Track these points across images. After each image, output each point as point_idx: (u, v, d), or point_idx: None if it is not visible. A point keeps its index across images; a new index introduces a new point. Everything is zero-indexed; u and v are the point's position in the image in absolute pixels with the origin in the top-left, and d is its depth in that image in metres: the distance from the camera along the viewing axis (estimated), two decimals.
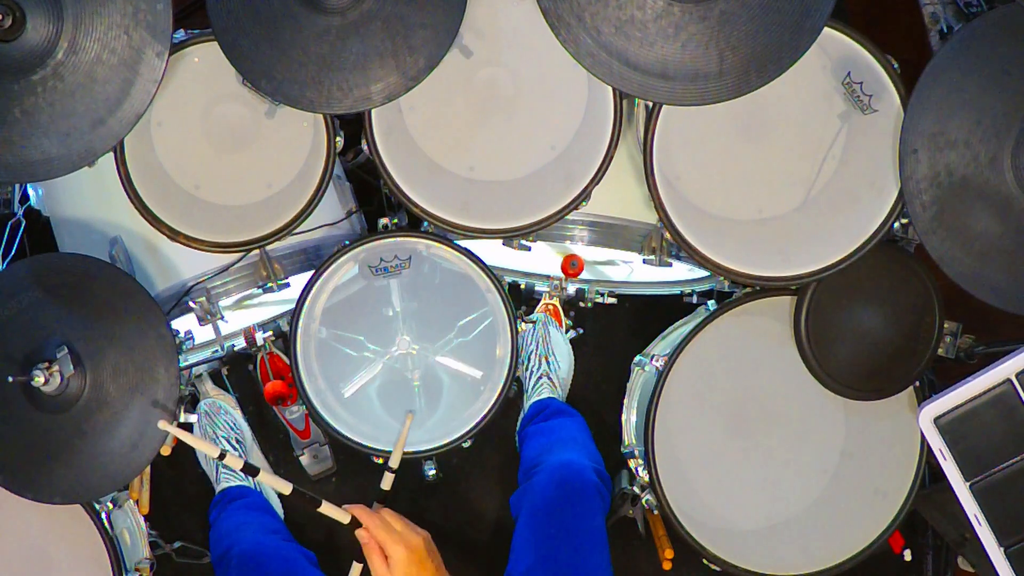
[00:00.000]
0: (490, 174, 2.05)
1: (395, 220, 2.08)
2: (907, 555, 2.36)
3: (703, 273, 2.23)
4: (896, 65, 1.86)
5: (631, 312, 2.58)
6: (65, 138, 1.76)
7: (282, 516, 2.37)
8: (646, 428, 2.07)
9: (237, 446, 2.38)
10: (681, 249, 1.98)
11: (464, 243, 2.07)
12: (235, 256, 2.05)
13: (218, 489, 2.33)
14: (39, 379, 1.74)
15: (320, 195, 2.00)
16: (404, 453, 2.12)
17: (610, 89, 1.91)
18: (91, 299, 1.87)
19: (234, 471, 2.31)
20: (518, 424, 2.45)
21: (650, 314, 2.51)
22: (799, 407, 2.10)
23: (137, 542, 2.11)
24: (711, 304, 2.17)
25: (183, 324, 2.06)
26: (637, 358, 2.35)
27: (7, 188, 2.30)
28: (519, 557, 1.95)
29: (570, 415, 2.31)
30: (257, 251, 2.04)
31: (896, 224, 1.94)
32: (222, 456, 1.62)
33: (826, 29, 1.78)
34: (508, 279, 2.40)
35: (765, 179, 2.01)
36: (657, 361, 2.13)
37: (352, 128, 2.04)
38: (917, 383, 2.07)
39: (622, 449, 2.29)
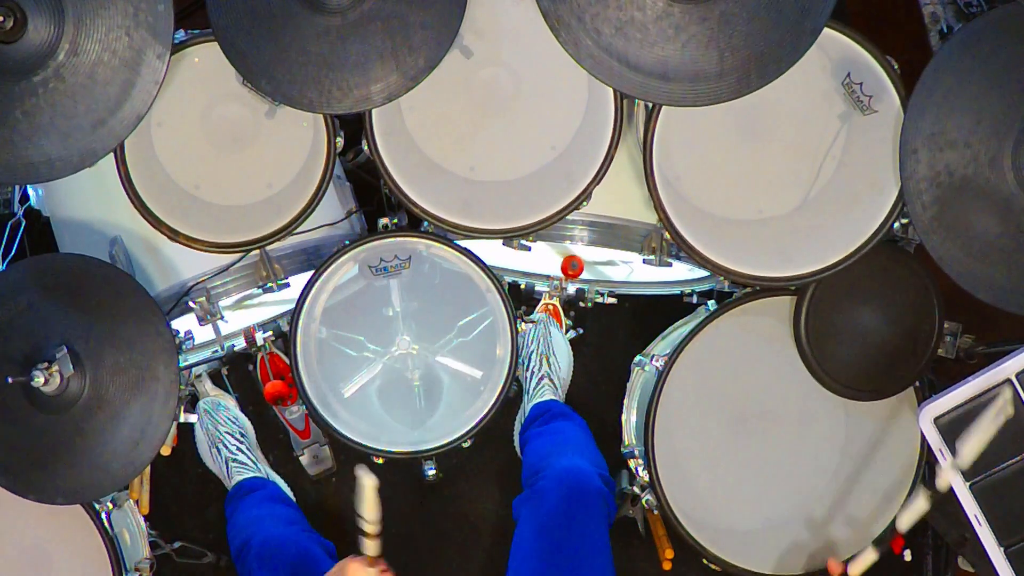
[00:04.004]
0: (490, 174, 2.05)
1: (395, 220, 2.08)
2: (907, 555, 2.36)
3: (703, 273, 2.23)
4: (896, 66, 1.86)
5: (631, 312, 2.58)
6: (66, 139, 1.76)
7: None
8: (646, 428, 2.07)
9: (240, 439, 2.38)
10: (681, 249, 1.98)
11: (464, 243, 2.07)
12: (235, 256, 2.05)
13: (232, 483, 2.33)
14: (39, 379, 1.74)
15: (320, 195, 1.99)
16: (404, 453, 2.12)
17: (610, 89, 1.91)
18: (91, 299, 1.87)
19: (246, 464, 2.32)
20: (518, 425, 2.45)
21: (650, 314, 2.51)
22: (799, 407, 2.10)
23: (137, 542, 2.11)
24: (711, 304, 2.17)
25: (183, 324, 2.06)
26: (637, 358, 2.35)
27: (7, 188, 2.31)
28: (520, 564, 1.94)
29: (572, 419, 2.31)
30: (257, 251, 2.04)
31: (896, 224, 1.94)
32: None
33: (826, 29, 1.78)
34: (508, 279, 2.40)
35: (765, 179, 2.01)
36: (657, 361, 2.13)
37: (352, 128, 2.04)
38: (917, 383, 2.07)
39: (622, 449, 2.29)
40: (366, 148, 1.95)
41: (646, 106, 1.92)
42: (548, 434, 2.24)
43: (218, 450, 2.37)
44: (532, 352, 2.40)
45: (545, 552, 1.93)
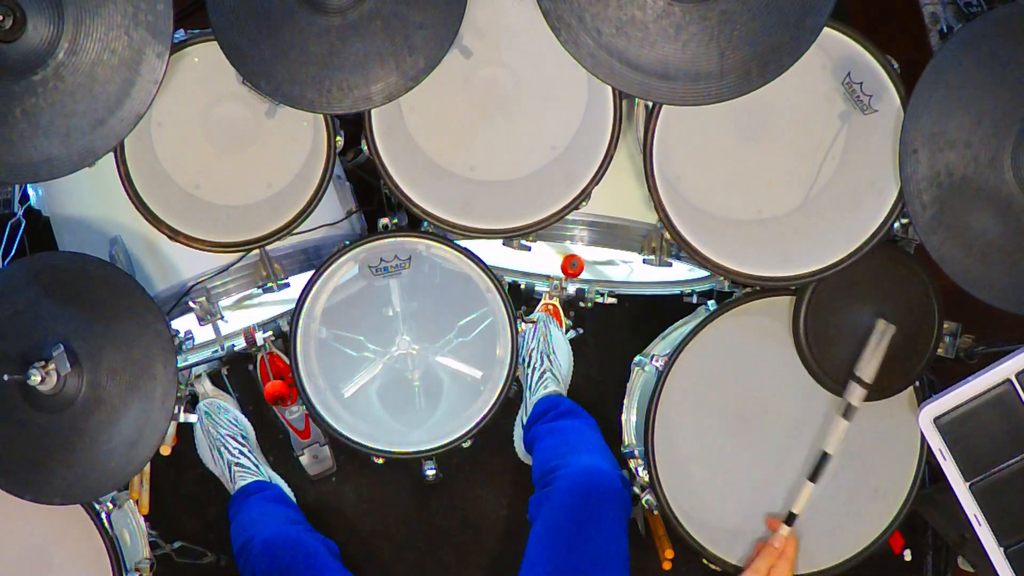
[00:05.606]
0: (490, 174, 2.05)
1: (395, 220, 2.08)
2: (907, 555, 2.36)
3: (703, 273, 2.23)
4: (896, 65, 1.86)
5: (631, 312, 2.58)
6: (66, 138, 1.76)
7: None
8: (646, 428, 2.06)
9: (242, 442, 2.38)
10: (681, 249, 1.98)
11: (464, 243, 2.07)
12: (235, 256, 2.05)
13: (235, 488, 2.33)
14: (35, 378, 1.74)
15: (320, 195, 1.99)
16: (404, 453, 2.12)
17: (610, 89, 1.91)
18: (89, 298, 1.86)
19: (248, 467, 2.32)
20: (519, 426, 2.45)
21: (650, 314, 2.51)
22: (799, 407, 2.10)
23: (137, 542, 2.11)
24: (711, 304, 2.17)
25: (183, 324, 2.06)
26: (637, 358, 2.35)
27: (7, 188, 2.31)
28: (533, 564, 1.93)
29: (582, 416, 2.30)
30: (257, 251, 2.04)
31: (896, 224, 1.94)
32: None
33: (826, 29, 1.77)
34: (508, 279, 2.40)
35: (765, 179, 2.01)
36: (657, 361, 2.13)
37: (352, 128, 2.04)
38: (917, 383, 2.07)
39: (622, 449, 2.29)
40: (366, 148, 1.96)
41: (646, 106, 1.92)
42: (559, 432, 2.23)
43: (219, 453, 2.37)
44: (533, 351, 2.41)
45: (562, 553, 1.91)
